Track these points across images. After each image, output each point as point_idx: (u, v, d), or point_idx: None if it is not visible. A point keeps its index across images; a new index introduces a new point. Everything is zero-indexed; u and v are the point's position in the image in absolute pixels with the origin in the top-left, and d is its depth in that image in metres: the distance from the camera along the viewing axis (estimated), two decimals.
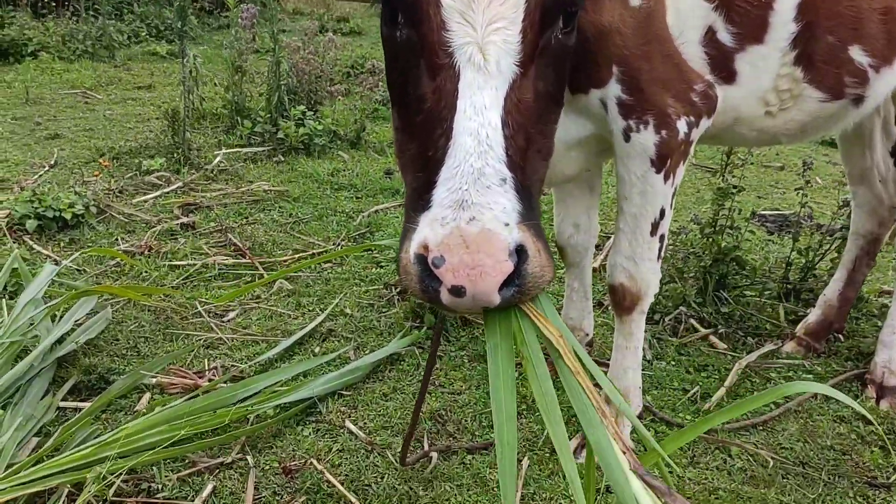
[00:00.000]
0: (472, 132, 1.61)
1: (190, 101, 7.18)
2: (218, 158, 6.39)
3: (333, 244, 4.94)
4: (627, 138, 2.57)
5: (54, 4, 12.55)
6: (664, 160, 2.61)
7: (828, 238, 4.44)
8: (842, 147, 3.95)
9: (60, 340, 3.52)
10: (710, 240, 4.31)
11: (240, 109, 7.26)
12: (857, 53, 2.86)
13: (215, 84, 8.75)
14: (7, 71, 9.82)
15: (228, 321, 3.99)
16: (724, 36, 2.65)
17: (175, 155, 6.24)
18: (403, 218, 1.85)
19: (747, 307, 4.32)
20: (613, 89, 2.51)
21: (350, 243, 4.98)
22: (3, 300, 3.84)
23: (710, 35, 2.63)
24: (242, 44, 7.30)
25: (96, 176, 5.88)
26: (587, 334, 3.69)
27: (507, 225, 1.56)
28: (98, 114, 8.08)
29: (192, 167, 6.18)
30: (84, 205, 5.04)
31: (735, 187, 4.31)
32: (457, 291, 1.51)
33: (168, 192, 5.70)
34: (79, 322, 3.73)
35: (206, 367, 3.56)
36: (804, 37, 2.74)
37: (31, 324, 3.49)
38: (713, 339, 4.03)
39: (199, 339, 3.80)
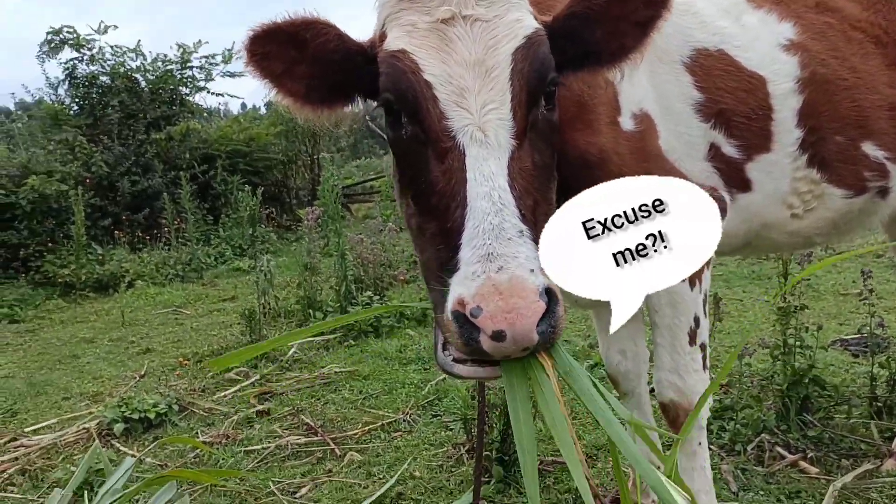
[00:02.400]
0: (486, 195, 1.77)
1: (266, 301, 7.65)
2: (292, 350, 6.66)
3: (403, 414, 4.98)
4: None
5: (148, 238, 13.84)
6: None
7: None
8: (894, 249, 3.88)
9: None
10: (783, 362, 4.16)
11: (312, 303, 7.66)
12: (870, 149, 2.93)
13: (290, 285, 9.28)
14: (106, 301, 10.71)
15: (300, 497, 4.00)
16: (730, 150, 2.77)
17: None
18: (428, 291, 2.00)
19: (837, 429, 4.06)
20: None
21: (419, 412, 5.00)
22: (86, 495, 3.97)
23: (714, 151, 2.75)
24: (311, 244, 7.85)
25: (178, 376, 6.20)
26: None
27: (532, 271, 1.67)
28: (186, 326, 8.63)
29: (269, 360, 6.45)
30: (167, 403, 5.30)
31: (796, 306, 4.23)
32: (498, 336, 1.58)
33: (246, 385, 5.93)
34: None
35: None
36: (811, 140, 2.84)
37: None
38: (803, 464, 3.78)
39: None
